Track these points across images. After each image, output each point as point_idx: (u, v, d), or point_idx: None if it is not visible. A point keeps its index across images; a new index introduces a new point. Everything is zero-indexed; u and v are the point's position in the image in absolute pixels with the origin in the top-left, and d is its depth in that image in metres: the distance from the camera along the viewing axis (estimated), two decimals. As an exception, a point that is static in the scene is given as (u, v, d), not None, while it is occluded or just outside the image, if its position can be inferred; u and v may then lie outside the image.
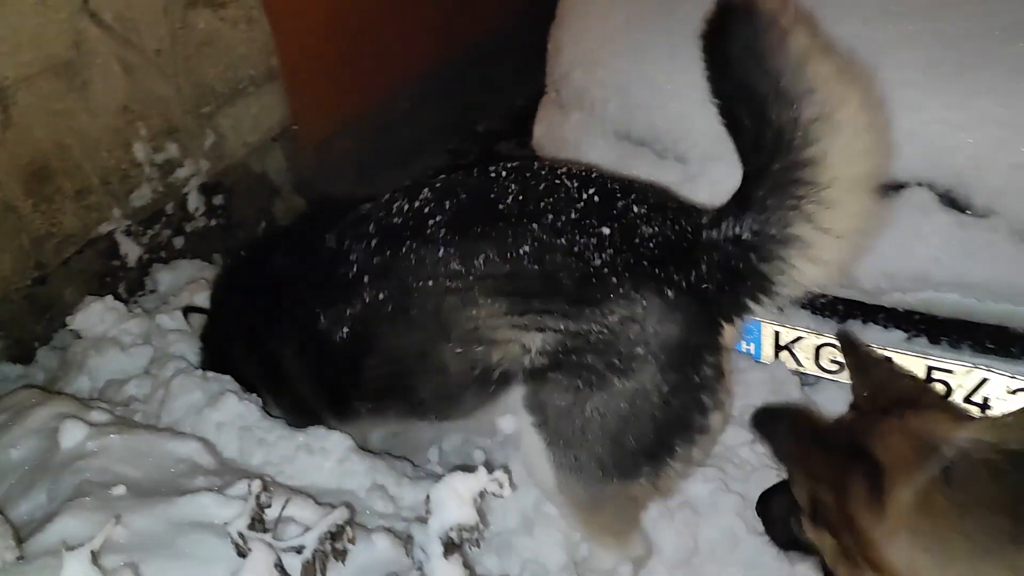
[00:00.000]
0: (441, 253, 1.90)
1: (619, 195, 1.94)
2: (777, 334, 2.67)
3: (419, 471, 2.38)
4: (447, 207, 1.97)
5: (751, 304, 1.83)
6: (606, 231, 1.84)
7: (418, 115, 4.44)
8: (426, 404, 2.07)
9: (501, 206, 1.92)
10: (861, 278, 2.32)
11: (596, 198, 1.92)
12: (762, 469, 2.39)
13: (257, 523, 1.49)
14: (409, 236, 1.96)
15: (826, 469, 1.47)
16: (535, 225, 1.86)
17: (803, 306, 2.60)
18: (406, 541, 1.55)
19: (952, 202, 2.19)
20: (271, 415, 2.28)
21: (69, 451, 1.78)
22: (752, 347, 2.75)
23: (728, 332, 1.92)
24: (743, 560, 2.15)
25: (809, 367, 2.63)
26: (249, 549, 1.39)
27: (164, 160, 3.38)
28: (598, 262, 1.81)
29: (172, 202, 3.48)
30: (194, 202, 3.56)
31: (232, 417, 2.15)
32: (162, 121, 3.32)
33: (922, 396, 1.62)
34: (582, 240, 1.84)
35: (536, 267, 1.83)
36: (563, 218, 1.87)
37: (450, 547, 1.40)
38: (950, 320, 2.35)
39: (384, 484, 2.15)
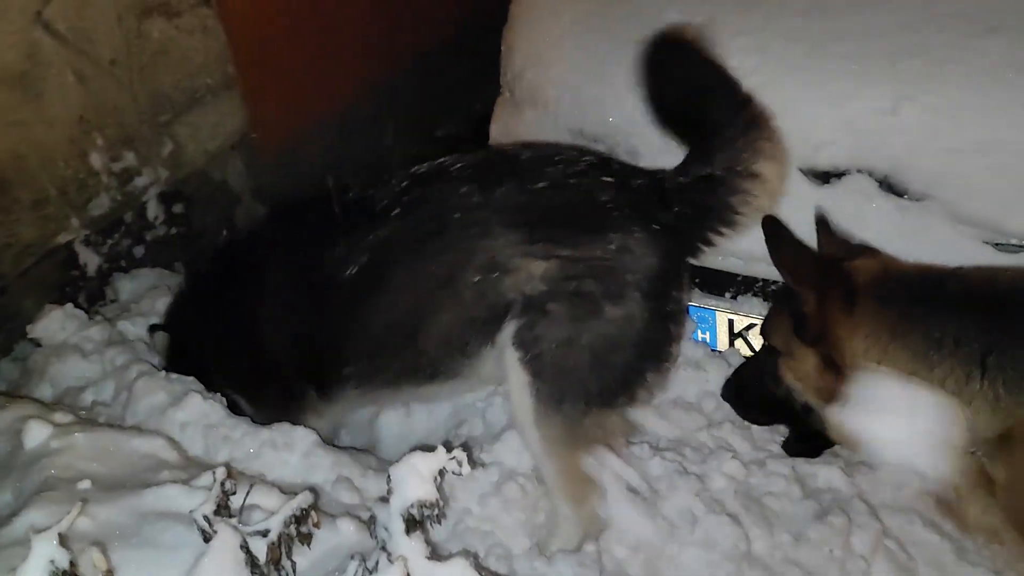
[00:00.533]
0: (465, 189, 2.16)
1: (611, 160, 2.36)
2: (731, 322, 2.75)
3: (384, 463, 2.41)
4: (469, 161, 2.27)
5: (715, 236, 2.17)
6: (608, 179, 2.18)
7: (377, 122, 4.45)
8: (426, 355, 2.23)
9: (518, 158, 2.27)
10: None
11: (594, 159, 2.28)
12: (719, 451, 2.46)
13: (222, 509, 1.52)
14: (436, 179, 2.24)
15: (816, 277, 1.92)
16: (549, 169, 2.18)
17: (754, 294, 2.70)
18: (369, 522, 1.58)
19: (890, 187, 2.29)
20: (236, 414, 2.31)
21: (33, 450, 1.79)
22: (708, 336, 2.83)
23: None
24: (701, 539, 2.21)
25: (763, 353, 2.72)
26: (215, 532, 1.42)
27: (122, 169, 3.35)
28: (604, 198, 2.13)
29: (131, 211, 3.45)
30: (153, 210, 3.53)
31: (196, 416, 2.18)
32: (119, 130, 3.30)
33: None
34: (589, 182, 2.17)
35: (550, 200, 2.14)
36: (572, 168, 2.19)
37: (411, 524, 1.45)
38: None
39: (350, 476, 2.18)
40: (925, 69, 2.20)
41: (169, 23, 3.36)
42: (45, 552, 1.24)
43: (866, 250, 2.07)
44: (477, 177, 2.20)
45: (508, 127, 3.00)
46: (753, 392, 2.27)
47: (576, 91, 2.71)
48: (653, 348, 2.17)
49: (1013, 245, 2.17)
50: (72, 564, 1.27)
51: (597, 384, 2.11)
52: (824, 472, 2.47)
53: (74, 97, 3.12)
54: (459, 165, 2.26)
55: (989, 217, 2.16)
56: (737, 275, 2.65)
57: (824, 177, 2.36)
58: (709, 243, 2.20)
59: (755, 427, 2.55)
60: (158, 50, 3.35)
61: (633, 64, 2.24)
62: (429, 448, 1.51)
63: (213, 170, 3.79)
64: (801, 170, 2.37)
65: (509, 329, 2.12)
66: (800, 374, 2.05)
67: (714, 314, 2.76)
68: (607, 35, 2.62)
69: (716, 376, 2.65)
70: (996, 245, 2.19)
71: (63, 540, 1.27)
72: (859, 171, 2.30)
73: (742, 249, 2.43)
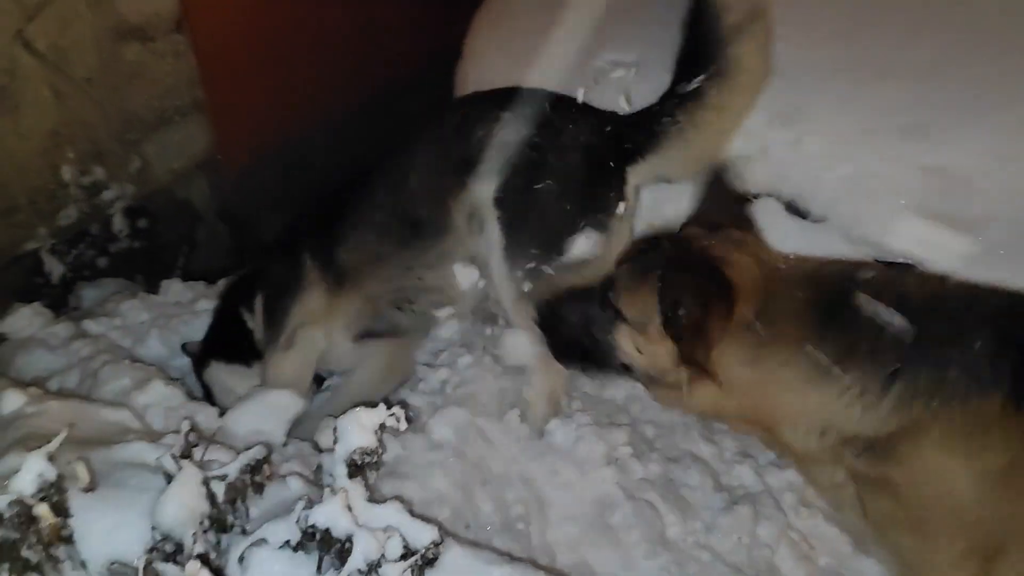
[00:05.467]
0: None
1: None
2: (658, 335, 2.98)
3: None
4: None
5: (648, 153, 2.57)
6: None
7: (337, 147, 4.63)
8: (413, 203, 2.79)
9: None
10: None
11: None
12: (642, 447, 2.68)
13: (186, 456, 1.69)
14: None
15: (696, 287, 1.88)
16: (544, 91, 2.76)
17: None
18: (316, 470, 1.77)
19: (795, 210, 2.57)
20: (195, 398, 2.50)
21: (10, 415, 1.94)
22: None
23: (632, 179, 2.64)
24: (621, 523, 2.42)
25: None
26: (180, 469, 1.60)
27: (90, 183, 3.53)
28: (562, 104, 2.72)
29: (97, 223, 3.62)
30: (118, 224, 3.70)
31: (158, 399, 2.34)
32: (90, 145, 3.48)
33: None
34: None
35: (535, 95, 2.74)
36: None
37: (353, 469, 1.64)
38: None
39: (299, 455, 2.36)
40: (823, 108, 2.51)
41: (143, 47, 3.57)
42: (35, 467, 1.41)
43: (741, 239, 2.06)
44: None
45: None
46: (571, 333, 2.24)
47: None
48: (591, 204, 2.56)
49: (898, 264, 2.45)
50: (59, 477, 1.44)
51: (548, 235, 2.53)
52: (737, 469, 2.70)
53: (49, 112, 3.30)
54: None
55: (874, 238, 2.44)
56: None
57: (741, 199, 2.64)
58: (639, 156, 2.60)
59: (676, 428, 2.78)
60: (131, 72, 3.55)
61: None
62: (372, 405, 1.72)
63: (178, 188, 3.97)
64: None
65: (488, 188, 2.61)
66: (646, 352, 2.04)
67: (643, 327, 3.00)
68: (543, 70, 2.91)
69: (643, 383, 2.89)
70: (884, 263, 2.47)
71: (51, 458, 1.44)
72: (769, 195, 2.58)
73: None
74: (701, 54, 2.43)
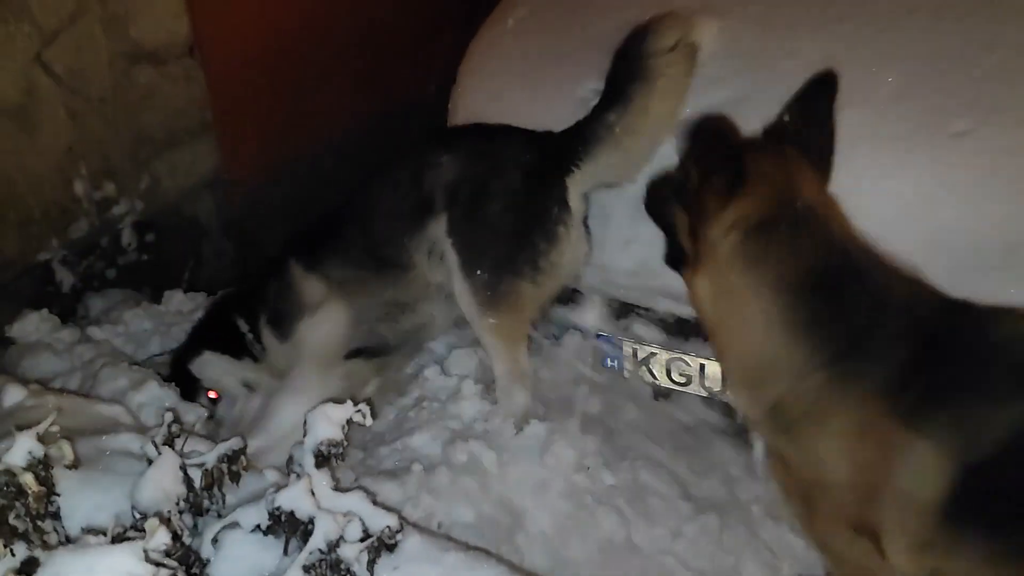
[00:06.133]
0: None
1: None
2: (635, 351, 3.10)
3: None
4: None
5: (582, 160, 2.73)
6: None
7: (340, 169, 4.73)
8: (377, 239, 3.00)
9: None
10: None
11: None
12: (614, 457, 2.79)
13: (168, 444, 1.83)
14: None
15: (704, 155, 1.91)
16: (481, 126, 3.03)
17: (655, 326, 3.06)
18: (287, 461, 1.90)
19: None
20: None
21: (10, 407, 2.09)
22: (616, 364, 3.18)
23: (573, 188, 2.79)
24: (589, 526, 2.54)
25: (662, 380, 3.07)
26: (159, 453, 1.73)
27: (102, 198, 3.68)
28: (501, 131, 2.96)
29: (107, 236, 3.77)
30: (127, 237, 3.85)
31: (153, 399, 2.49)
32: (102, 162, 3.64)
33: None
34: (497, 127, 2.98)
35: (465, 135, 3.06)
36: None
37: (320, 459, 1.77)
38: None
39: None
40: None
41: (156, 70, 3.75)
42: (25, 444, 1.55)
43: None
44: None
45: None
46: (660, 205, 2.28)
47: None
48: (538, 220, 2.73)
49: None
50: (46, 456, 1.58)
51: (500, 250, 2.73)
52: (706, 481, 2.81)
53: (64, 130, 3.47)
54: None
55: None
56: (639, 308, 3.02)
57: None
58: (575, 164, 2.74)
59: (649, 440, 2.89)
60: (144, 93, 3.73)
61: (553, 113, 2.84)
62: (340, 402, 1.86)
63: (185, 205, 4.13)
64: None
65: (443, 223, 2.80)
66: (679, 222, 2.07)
67: (621, 343, 3.11)
68: (531, 96, 3.06)
69: (619, 397, 3.01)
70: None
71: (40, 438, 1.59)
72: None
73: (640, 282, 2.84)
74: (627, 67, 2.62)
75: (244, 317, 3.19)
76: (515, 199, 2.75)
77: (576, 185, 2.78)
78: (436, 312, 3.17)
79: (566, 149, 2.76)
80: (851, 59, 2.71)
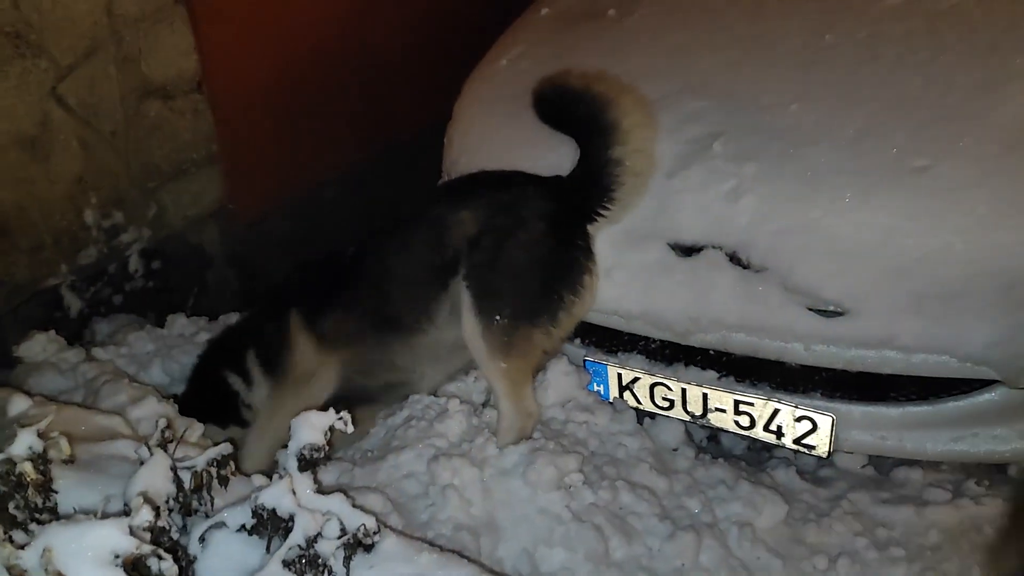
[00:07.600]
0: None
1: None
2: (620, 376, 3.20)
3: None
4: None
5: (602, 207, 2.86)
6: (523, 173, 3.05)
7: (343, 201, 4.94)
8: (393, 301, 3.00)
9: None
10: (673, 322, 2.90)
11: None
12: (595, 477, 2.87)
13: (161, 447, 1.94)
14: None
15: None
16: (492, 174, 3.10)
17: (638, 351, 3.17)
18: (274, 466, 2.01)
19: (737, 260, 2.80)
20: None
21: (15, 416, 2.21)
22: (601, 388, 3.28)
23: (596, 236, 2.91)
24: (566, 542, 2.62)
25: (646, 404, 3.17)
26: (151, 454, 1.84)
27: (110, 225, 3.83)
28: (516, 179, 3.01)
29: (114, 263, 3.91)
30: (134, 264, 3.99)
31: (151, 414, 2.59)
32: (111, 192, 3.79)
33: None
34: (509, 174, 3.06)
35: (478, 182, 3.08)
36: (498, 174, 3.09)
37: (303, 463, 1.88)
38: (750, 362, 2.93)
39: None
40: (759, 169, 2.77)
41: (164, 104, 3.92)
42: (26, 440, 1.67)
43: None
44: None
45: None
46: None
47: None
48: (562, 271, 2.81)
49: (828, 311, 2.68)
50: (44, 450, 1.69)
51: (519, 299, 2.76)
52: (686, 501, 2.89)
53: (76, 161, 3.62)
54: None
55: (810, 286, 2.67)
56: (623, 334, 3.13)
57: (687, 251, 2.88)
58: (599, 212, 2.87)
59: (631, 463, 2.97)
60: (153, 126, 3.89)
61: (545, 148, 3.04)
62: (324, 409, 1.98)
63: (191, 234, 4.27)
64: (669, 245, 2.90)
65: (461, 272, 2.81)
66: None
67: (606, 368, 3.21)
68: (522, 132, 3.20)
69: (603, 420, 3.10)
70: (817, 311, 2.70)
71: (40, 435, 1.70)
72: (712, 246, 2.82)
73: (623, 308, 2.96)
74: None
75: (236, 373, 3.13)
76: (540, 251, 2.81)
77: (598, 232, 2.89)
78: (429, 371, 3.16)
79: (587, 197, 2.85)
80: (820, 100, 2.89)
